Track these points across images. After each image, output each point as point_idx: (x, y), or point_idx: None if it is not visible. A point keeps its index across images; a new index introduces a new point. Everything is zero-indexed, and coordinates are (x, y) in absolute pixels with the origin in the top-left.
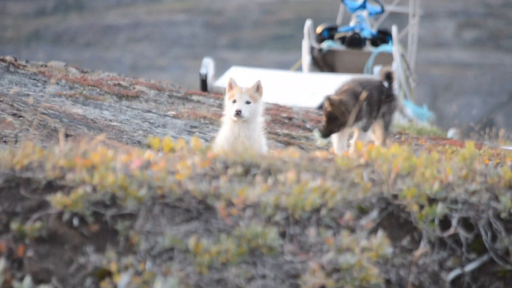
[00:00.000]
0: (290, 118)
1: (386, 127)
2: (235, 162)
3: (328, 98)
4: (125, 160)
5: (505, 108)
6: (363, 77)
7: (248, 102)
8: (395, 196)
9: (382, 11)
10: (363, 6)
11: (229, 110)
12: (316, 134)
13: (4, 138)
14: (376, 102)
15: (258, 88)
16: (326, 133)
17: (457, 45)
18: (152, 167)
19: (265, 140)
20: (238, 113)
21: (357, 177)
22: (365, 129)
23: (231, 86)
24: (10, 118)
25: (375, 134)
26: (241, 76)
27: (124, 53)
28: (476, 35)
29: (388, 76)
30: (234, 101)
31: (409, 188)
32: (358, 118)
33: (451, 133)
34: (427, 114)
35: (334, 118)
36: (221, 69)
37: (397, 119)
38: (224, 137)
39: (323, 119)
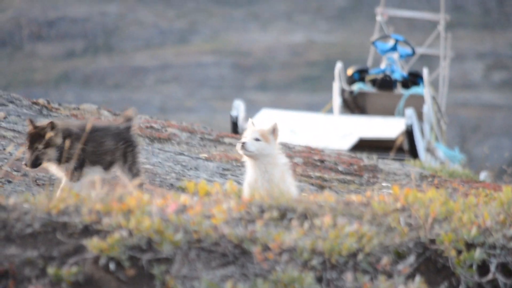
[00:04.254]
0: (322, 161)
1: (134, 175)
2: (271, 206)
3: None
4: (161, 204)
5: None
6: (100, 123)
7: (257, 139)
8: (433, 241)
9: (413, 53)
10: (394, 48)
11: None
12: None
13: (38, 181)
14: (109, 151)
15: (273, 131)
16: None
17: (485, 86)
18: (187, 211)
19: (294, 182)
20: (243, 145)
21: (394, 222)
22: (72, 176)
23: (250, 127)
24: None
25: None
26: (271, 118)
27: (153, 95)
28: (505, 76)
29: (128, 119)
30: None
31: (446, 233)
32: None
33: (483, 175)
34: (459, 156)
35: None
36: (248, 110)
37: (429, 162)
38: (247, 180)
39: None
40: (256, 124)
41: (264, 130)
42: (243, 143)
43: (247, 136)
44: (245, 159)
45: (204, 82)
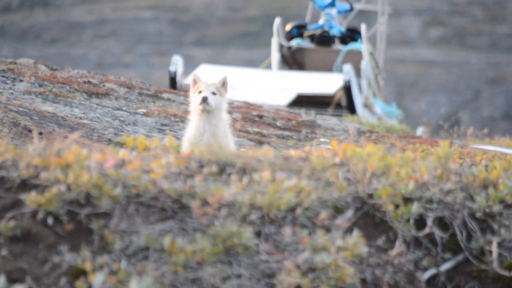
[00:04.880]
0: (260, 116)
1: None
2: (210, 161)
3: None
4: (100, 159)
5: (470, 105)
6: None
7: (214, 93)
8: (371, 196)
9: (351, 9)
10: (332, 4)
11: (194, 101)
12: None
13: None
14: None
15: (223, 84)
16: None
17: (422, 43)
18: (126, 166)
19: (233, 138)
20: (204, 100)
21: (332, 176)
22: None
23: (195, 81)
24: None
25: None
26: (210, 74)
27: (90, 50)
28: (442, 33)
29: None
30: (200, 92)
31: (384, 187)
32: None
33: (419, 131)
34: (396, 112)
35: None
36: (187, 66)
37: (367, 117)
38: (189, 134)
39: None
40: (201, 78)
41: (217, 83)
42: (204, 98)
43: (203, 90)
44: (193, 113)
45: (142, 37)
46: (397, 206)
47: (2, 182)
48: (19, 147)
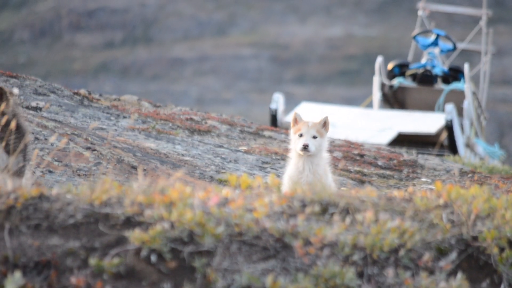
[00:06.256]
0: (361, 155)
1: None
2: (312, 201)
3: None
4: (203, 197)
5: None
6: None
7: (314, 137)
8: (475, 238)
9: (454, 48)
10: (435, 43)
11: (295, 144)
12: None
13: (78, 171)
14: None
15: (324, 124)
16: None
17: None
18: (229, 205)
19: (332, 176)
20: (305, 148)
21: (436, 218)
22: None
23: (296, 120)
24: (84, 152)
25: None
26: (311, 112)
27: (190, 86)
28: None
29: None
30: (301, 135)
31: (489, 230)
32: None
33: None
34: (499, 152)
35: None
36: (287, 103)
37: (469, 158)
38: (289, 172)
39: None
40: (302, 117)
41: (317, 124)
42: (306, 145)
43: (304, 134)
44: (293, 152)
45: (242, 74)
46: (502, 249)
47: (107, 219)
48: (123, 184)
